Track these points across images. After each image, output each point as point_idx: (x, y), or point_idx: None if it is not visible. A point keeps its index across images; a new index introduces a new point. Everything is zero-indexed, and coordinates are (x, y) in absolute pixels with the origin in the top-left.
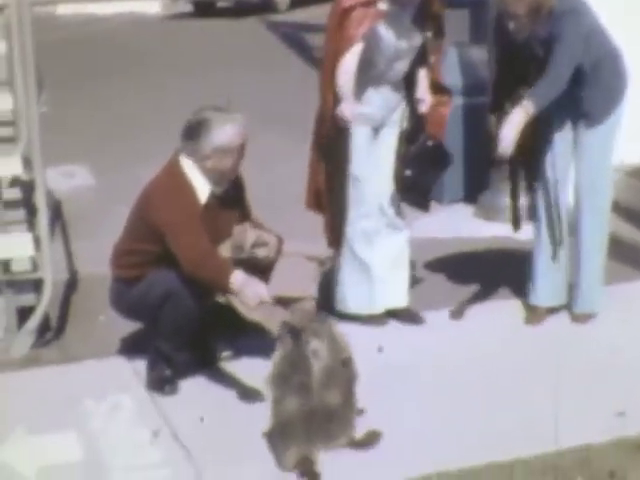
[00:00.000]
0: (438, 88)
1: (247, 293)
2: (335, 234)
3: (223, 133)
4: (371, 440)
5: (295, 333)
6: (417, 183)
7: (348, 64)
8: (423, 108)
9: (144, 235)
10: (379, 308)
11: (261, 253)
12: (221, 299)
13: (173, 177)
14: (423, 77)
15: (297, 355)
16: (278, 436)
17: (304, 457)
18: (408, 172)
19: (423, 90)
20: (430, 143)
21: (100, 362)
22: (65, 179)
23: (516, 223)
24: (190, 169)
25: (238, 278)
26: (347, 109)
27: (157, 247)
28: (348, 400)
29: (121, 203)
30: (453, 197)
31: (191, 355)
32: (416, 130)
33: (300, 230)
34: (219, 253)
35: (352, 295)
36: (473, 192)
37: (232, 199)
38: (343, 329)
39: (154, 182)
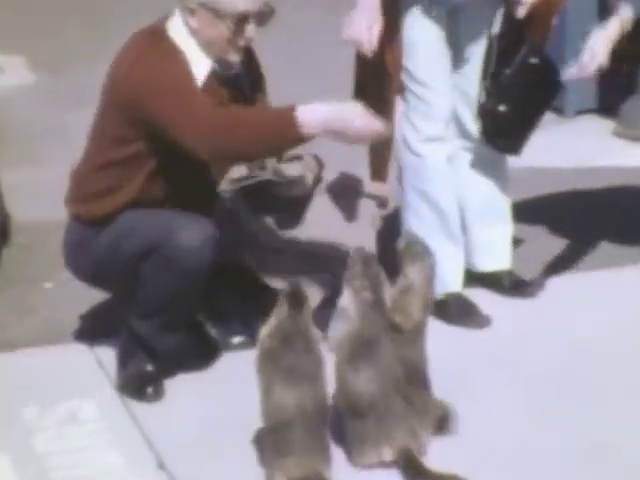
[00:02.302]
0: None
1: (348, 137)
2: (377, 165)
3: None
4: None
5: (296, 298)
6: (514, 121)
7: None
8: (521, 11)
9: (121, 133)
10: (460, 278)
11: (293, 171)
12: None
13: (156, 43)
14: None
15: (293, 327)
16: (270, 443)
17: (307, 473)
18: (502, 107)
19: None
20: (534, 60)
21: (47, 351)
22: None
23: None
24: (180, 33)
25: (310, 113)
26: None
27: (143, 147)
28: (413, 388)
29: (76, 109)
30: (581, 106)
31: (184, 340)
32: (512, 41)
33: (350, 154)
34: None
35: None
36: (612, 99)
37: (243, 88)
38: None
39: (128, 50)
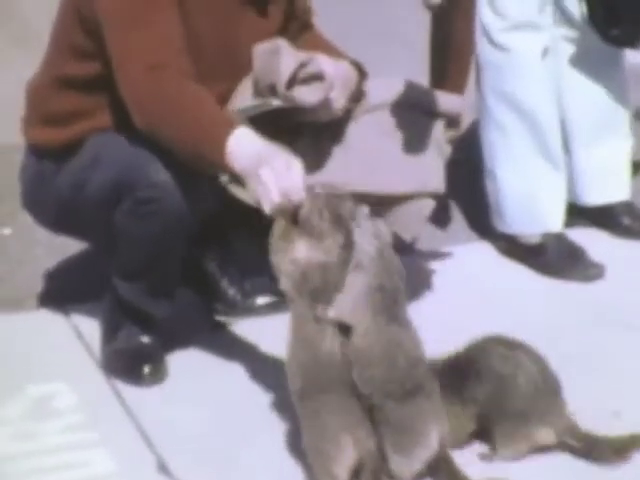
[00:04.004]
0: None
1: (261, 181)
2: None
3: None
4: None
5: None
6: (632, 1)
7: None
8: None
9: (79, 42)
10: (562, 214)
11: (309, 97)
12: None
13: None
14: None
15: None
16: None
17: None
18: None
19: None
20: None
21: (7, 319)
22: None
23: None
24: None
25: (243, 142)
26: None
27: (107, 66)
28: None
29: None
30: None
31: (188, 305)
32: None
33: (404, 54)
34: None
35: (514, 191)
36: None
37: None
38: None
39: None
